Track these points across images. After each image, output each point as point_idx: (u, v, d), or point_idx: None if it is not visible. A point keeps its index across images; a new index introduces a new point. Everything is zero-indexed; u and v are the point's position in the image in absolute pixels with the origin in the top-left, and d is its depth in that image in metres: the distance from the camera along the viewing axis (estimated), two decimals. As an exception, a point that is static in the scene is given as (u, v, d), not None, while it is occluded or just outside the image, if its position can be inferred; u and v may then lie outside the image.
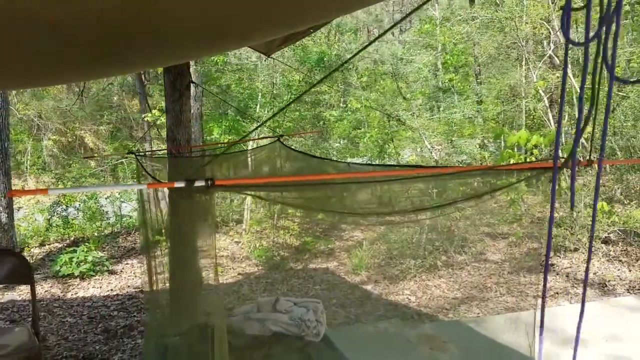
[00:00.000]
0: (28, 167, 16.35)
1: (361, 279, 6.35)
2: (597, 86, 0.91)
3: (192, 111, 8.05)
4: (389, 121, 8.05)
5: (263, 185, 1.11)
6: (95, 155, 15.46)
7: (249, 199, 8.59)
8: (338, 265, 7.04)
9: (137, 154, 3.32)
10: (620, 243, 6.95)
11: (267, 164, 3.59)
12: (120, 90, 21.48)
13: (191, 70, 7.79)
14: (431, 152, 7.62)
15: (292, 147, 9.40)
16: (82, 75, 4.38)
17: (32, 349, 2.95)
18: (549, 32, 10.01)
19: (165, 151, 4.46)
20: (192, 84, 4.08)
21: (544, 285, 1.18)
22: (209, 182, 1.01)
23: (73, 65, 2.59)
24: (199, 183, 1.01)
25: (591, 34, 1.02)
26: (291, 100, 8.44)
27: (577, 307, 4.66)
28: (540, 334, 1.42)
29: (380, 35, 1.62)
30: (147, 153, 3.59)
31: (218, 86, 9.41)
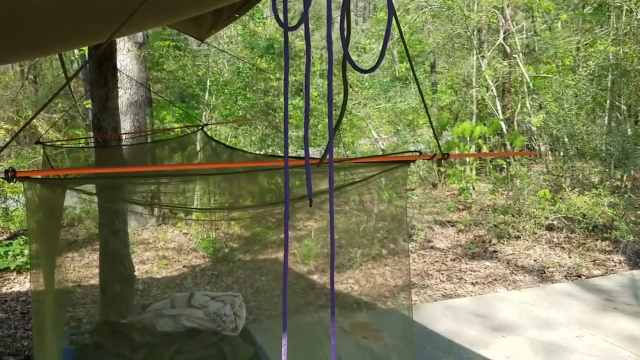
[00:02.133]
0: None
1: (309, 269, 6.31)
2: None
3: (136, 98, 7.81)
4: (335, 111, 7.98)
5: (91, 177, 1.02)
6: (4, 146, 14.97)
7: (198, 188, 8.42)
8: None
9: (45, 143, 3.15)
10: (564, 230, 7.10)
11: (189, 153, 3.48)
12: (76, 78, 20.81)
13: (132, 54, 7.57)
14: (377, 142, 7.61)
15: (246, 137, 9.29)
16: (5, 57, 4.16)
17: None
18: (502, 21, 10.10)
19: (83, 140, 4.29)
20: (114, 70, 3.91)
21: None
22: (9, 174, 0.91)
23: None
24: (-1, 175, 0.92)
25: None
26: (240, 87, 8.27)
27: (514, 293, 4.73)
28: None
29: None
30: (55, 143, 3.43)
31: (166, 71, 9.17)
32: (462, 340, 3.82)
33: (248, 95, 8.64)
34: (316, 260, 6.59)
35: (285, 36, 0.79)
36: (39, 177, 0.96)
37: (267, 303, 5.29)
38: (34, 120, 19.32)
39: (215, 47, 7.13)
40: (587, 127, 8.08)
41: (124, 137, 4.76)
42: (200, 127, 3.34)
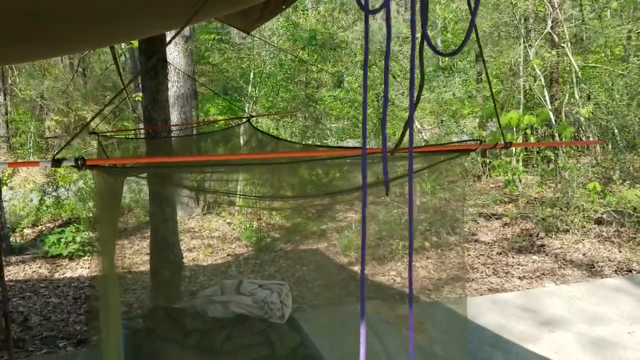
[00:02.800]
0: (32, 147, 16.39)
1: (349, 260, 6.32)
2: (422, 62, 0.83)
3: (183, 91, 7.97)
4: (377, 101, 7.93)
5: (145, 166, 1.06)
6: (57, 136, 15.36)
7: (240, 180, 8.54)
8: (328, 246, 7.01)
9: (99, 134, 3.26)
10: (614, 224, 6.86)
11: (235, 145, 3.53)
12: (123, 70, 21.36)
13: (180, 47, 7.71)
14: (421, 132, 7.52)
15: (287, 128, 9.35)
16: (58, 49, 4.31)
17: (-3, 330, 2.94)
18: (550, 9, 9.79)
19: (134, 132, 4.40)
20: (163, 62, 3.99)
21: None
22: (80, 162, 0.95)
23: (48, 39, 2.53)
24: (68, 163, 0.95)
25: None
26: (282, 78, 8.33)
27: (563, 288, 4.61)
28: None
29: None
30: (108, 133, 3.54)
31: (211, 65, 9.31)
32: (509, 334, 3.76)
33: (289, 87, 8.68)
34: (357, 251, 6.59)
35: (366, 18, 0.79)
36: (107, 165, 1.00)
37: (309, 293, 5.34)
38: (84, 112, 19.99)
39: (260, 39, 7.18)
40: (639, 118, 7.75)
41: (173, 128, 4.87)
42: (247, 119, 3.39)
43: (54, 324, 4.60)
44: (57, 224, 7.76)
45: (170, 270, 4.64)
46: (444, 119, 7.85)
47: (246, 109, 8.38)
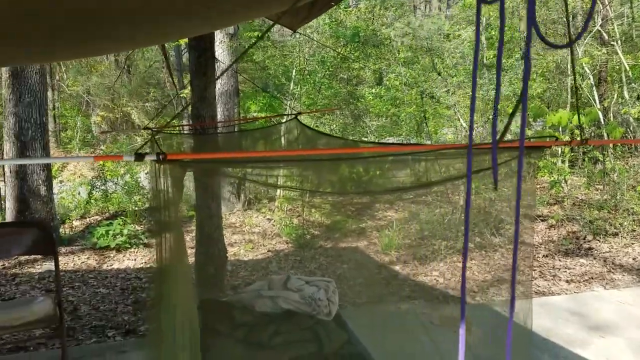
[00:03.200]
0: (78, 142, 16.92)
1: (390, 259, 6.28)
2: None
3: (226, 88, 8.09)
4: (422, 98, 7.83)
5: (222, 161, 1.07)
6: (110, 131, 15.70)
7: (280, 176, 8.61)
8: (368, 244, 6.99)
9: (153, 129, 3.33)
10: (666, 227, 6.61)
11: (282, 142, 3.55)
12: (166, 68, 21.75)
13: (225, 45, 7.81)
14: (466, 131, 7.39)
15: (326, 125, 9.36)
16: (107, 48, 4.43)
17: (53, 319, 3.05)
18: (599, 7, 9.47)
19: (185, 127, 4.48)
20: (214, 60, 4.05)
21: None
22: (161, 157, 0.97)
23: (97, 38, 2.61)
24: (151, 157, 0.98)
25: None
26: (324, 76, 8.33)
27: (612, 292, 4.46)
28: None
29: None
30: (163, 130, 3.62)
31: (254, 62, 9.39)
32: (558, 338, 3.67)
33: (331, 85, 8.68)
34: (397, 250, 6.54)
35: (478, 7, 0.78)
36: (187, 159, 1.02)
37: (350, 291, 5.33)
38: (129, 108, 20.48)
39: (305, 35, 7.21)
40: None
41: (222, 124, 4.95)
42: (294, 116, 3.41)
43: (103, 314, 4.74)
44: (104, 216, 7.99)
45: (214, 265, 4.73)
46: (490, 117, 7.69)
47: (287, 106, 8.43)
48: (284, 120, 3.50)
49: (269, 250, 6.77)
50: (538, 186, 10.23)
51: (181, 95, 9.25)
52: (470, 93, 7.62)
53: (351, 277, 5.58)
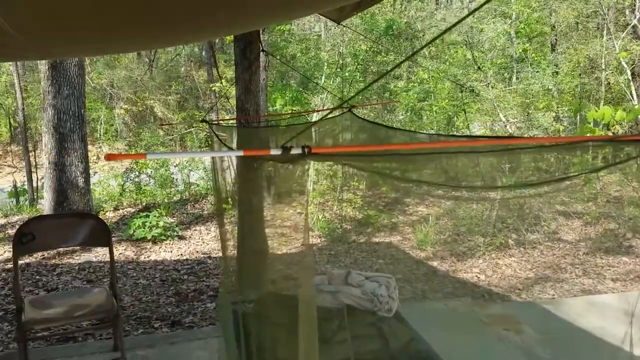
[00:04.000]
0: (102, 134, 17.08)
1: (426, 254, 6.22)
2: None
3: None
4: (461, 92, 7.73)
5: (362, 155, 1.04)
6: (170, 123, 15.76)
7: (312, 170, 8.59)
8: (402, 240, 6.93)
9: (210, 122, 3.32)
10: None
11: (337, 135, 3.52)
12: (188, 61, 21.93)
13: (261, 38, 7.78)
14: (506, 126, 7.28)
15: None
16: (154, 42, 4.43)
17: (111, 310, 3.06)
18: (634, 0, 9.26)
19: (235, 120, 4.47)
20: (262, 53, 4.02)
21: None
22: (306, 150, 0.94)
23: (146, 32, 2.60)
24: (296, 151, 0.95)
25: None
26: (356, 69, 8.26)
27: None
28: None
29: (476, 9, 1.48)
30: (220, 122, 3.61)
31: (283, 56, 9.36)
32: (614, 339, 3.58)
33: (363, 79, 8.61)
34: (433, 246, 6.48)
35: None
36: (329, 153, 1.00)
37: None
38: (151, 102, 20.58)
39: (347, 27, 7.14)
40: None
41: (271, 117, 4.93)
42: (348, 109, 3.37)
43: (146, 305, 4.76)
44: (137, 208, 8.05)
45: (255, 258, 4.72)
46: (530, 111, 7.57)
47: (320, 100, 8.39)
48: (337, 114, 3.47)
49: (302, 244, 6.74)
50: (568, 182, 10.08)
51: (212, 88, 9.27)
52: (507, 87, 7.44)
53: (390, 273, 5.53)
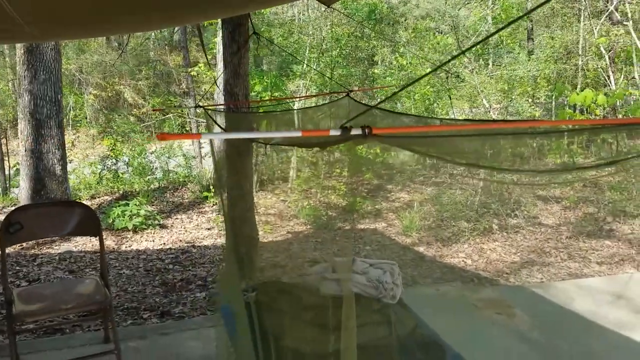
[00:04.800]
0: (71, 120, 16.57)
1: (412, 240, 6.25)
2: None
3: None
4: (447, 77, 7.73)
5: (430, 136, 0.99)
6: (160, 108, 15.23)
7: (294, 157, 8.52)
8: (386, 226, 6.94)
9: (205, 107, 3.21)
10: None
11: (334, 121, 3.45)
12: (157, 45, 21.47)
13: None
14: (489, 112, 7.33)
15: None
16: (139, 26, 4.28)
17: (104, 301, 2.96)
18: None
19: (222, 105, 4.36)
20: (255, 35, 3.91)
21: None
22: (366, 131, 0.88)
23: (130, 15, 2.49)
24: (356, 131, 0.89)
25: None
26: (339, 54, 8.17)
27: (646, 274, 4.43)
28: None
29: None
30: (216, 107, 3.51)
31: (268, 40, 9.20)
32: (604, 321, 3.65)
33: (345, 64, 8.54)
34: (419, 232, 6.50)
35: None
36: (392, 134, 0.94)
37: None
38: (121, 87, 20.09)
39: (336, 9, 7.03)
40: None
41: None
42: (346, 94, 3.30)
43: (133, 295, 4.65)
44: (114, 197, 7.85)
45: (246, 246, 4.65)
46: (513, 97, 7.62)
47: (301, 85, 8.29)
48: (335, 99, 3.40)
49: (288, 232, 6.69)
50: (543, 167, 10.24)
51: (190, 73, 9.06)
52: (497, 72, 7.44)
53: (378, 259, 5.53)
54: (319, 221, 7.00)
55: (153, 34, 20.98)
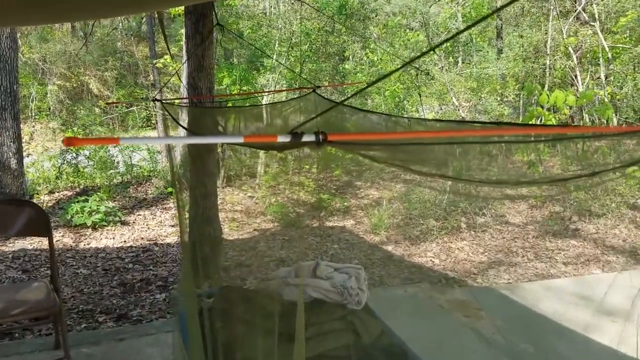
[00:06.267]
0: (34, 111, 15.99)
1: (381, 239, 6.17)
2: None
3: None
4: (417, 75, 7.67)
5: (389, 144, 0.89)
6: (119, 101, 14.81)
7: (261, 153, 8.35)
8: (355, 224, 6.86)
9: (163, 101, 3.04)
10: (649, 210, 6.75)
11: (300, 117, 3.32)
12: (125, 35, 20.95)
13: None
14: (458, 109, 7.30)
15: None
16: (99, 12, 4.05)
17: (52, 307, 2.77)
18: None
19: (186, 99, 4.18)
20: (219, 27, 3.75)
21: None
22: (320, 138, 0.76)
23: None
24: (308, 138, 0.77)
25: None
26: (309, 49, 8.04)
27: (612, 276, 4.47)
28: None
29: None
30: (175, 102, 3.33)
31: (236, 33, 8.98)
32: (571, 323, 3.63)
33: (315, 59, 8.40)
34: (387, 230, 6.43)
35: None
36: (348, 141, 0.82)
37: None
38: (86, 78, 19.53)
39: (306, 3, 6.88)
40: None
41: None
42: (312, 89, 3.18)
43: (89, 297, 4.44)
44: (74, 192, 7.55)
45: (209, 245, 4.50)
46: (482, 95, 7.61)
47: (270, 79, 8.12)
48: (300, 95, 3.27)
49: (255, 230, 6.54)
50: (511, 165, 10.33)
51: (157, 64, 8.77)
52: (467, 70, 7.41)
53: (346, 258, 5.44)
54: (286, 218, 6.86)
55: (120, 24, 20.45)
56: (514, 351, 3.29)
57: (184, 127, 2.42)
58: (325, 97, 3.19)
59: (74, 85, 18.65)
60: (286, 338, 2.50)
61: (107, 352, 3.29)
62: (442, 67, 7.53)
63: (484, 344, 3.37)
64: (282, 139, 0.76)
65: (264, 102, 7.42)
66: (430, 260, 5.38)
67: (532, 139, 1.40)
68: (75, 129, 8.16)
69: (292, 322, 2.52)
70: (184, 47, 6.84)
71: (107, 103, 13.28)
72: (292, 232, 6.51)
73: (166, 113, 2.89)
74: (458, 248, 5.75)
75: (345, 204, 7.69)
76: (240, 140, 0.80)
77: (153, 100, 3.51)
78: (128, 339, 3.49)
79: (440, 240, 5.98)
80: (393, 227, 6.47)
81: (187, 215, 3.67)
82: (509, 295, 4.17)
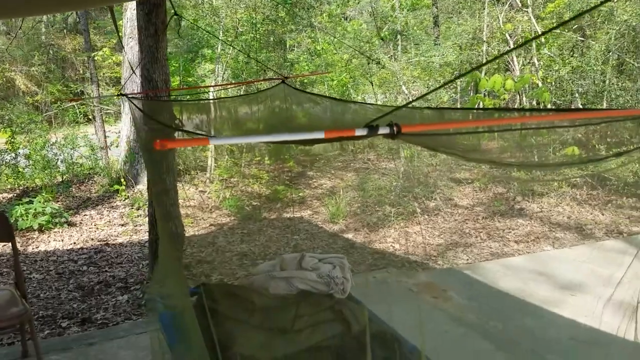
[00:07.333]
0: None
1: (340, 227, 6.24)
2: None
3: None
4: (368, 63, 7.75)
5: (458, 133, 0.89)
6: (80, 98, 13.89)
7: (212, 146, 8.19)
8: (312, 214, 6.89)
9: (128, 95, 2.92)
10: (584, 187, 7.18)
11: (269, 109, 3.29)
12: (50, 29, 19.92)
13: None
14: (409, 98, 7.45)
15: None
16: (46, 7, 3.83)
17: (23, 314, 2.63)
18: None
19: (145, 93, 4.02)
20: (176, 17, 3.63)
21: None
22: (395, 129, 0.77)
23: None
24: (383, 130, 0.77)
25: None
26: (254, 39, 7.93)
27: (563, 251, 4.73)
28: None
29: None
30: (140, 96, 3.20)
31: (177, 21, 8.72)
32: (533, 299, 3.83)
33: (262, 49, 8.31)
34: (345, 219, 6.51)
35: None
36: (424, 132, 0.82)
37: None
38: (12, 74, 18.40)
39: None
40: (621, 83, 8.07)
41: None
42: (281, 80, 3.15)
43: (46, 302, 4.24)
44: (15, 194, 7.13)
45: (175, 243, 4.37)
46: (431, 84, 7.80)
47: (217, 70, 7.96)
48: (270, 86, 3.23)
49: (211, 225, 6.43)
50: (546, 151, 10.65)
51: (94, 58, 8.38)
52: (416, 58, 7.55)
53: (308, 249, 5.46)
54: (243, 212, 6.79)
55: (45, 16, 19.35)
56: (484, 328, 3.43)
57: (161, 123, 2.34)
58: (295, 87, 3.17)
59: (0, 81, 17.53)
60: (277, 332, 2.50)
61: (79, 358, 3.16)
62: (391, 56, 7.65)
63: (455, 324, 3.49)
64: (360, 132, 0.76)
65: (211, 95, 7.27)
66: (391, 245, 5.50)
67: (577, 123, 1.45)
68: (13, 127, 7.66)
69: (283, 316, 2.52)
70: (127, 39, 6.58)
71: (70, 100, 12.43)
72: (250, 225, 6.45)
73: (134, 109, 2.77)
74: (415, 232, 5.91)
75: (300, 194, 7.70)
76: (321, 136, 0.79)
77: (118, 95, 3.35)
78: (98, 343, 3.36)
79: (397, 225, 6.11)
80: (351, 215, 6.55)
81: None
82: (471, 274, 4.34)
